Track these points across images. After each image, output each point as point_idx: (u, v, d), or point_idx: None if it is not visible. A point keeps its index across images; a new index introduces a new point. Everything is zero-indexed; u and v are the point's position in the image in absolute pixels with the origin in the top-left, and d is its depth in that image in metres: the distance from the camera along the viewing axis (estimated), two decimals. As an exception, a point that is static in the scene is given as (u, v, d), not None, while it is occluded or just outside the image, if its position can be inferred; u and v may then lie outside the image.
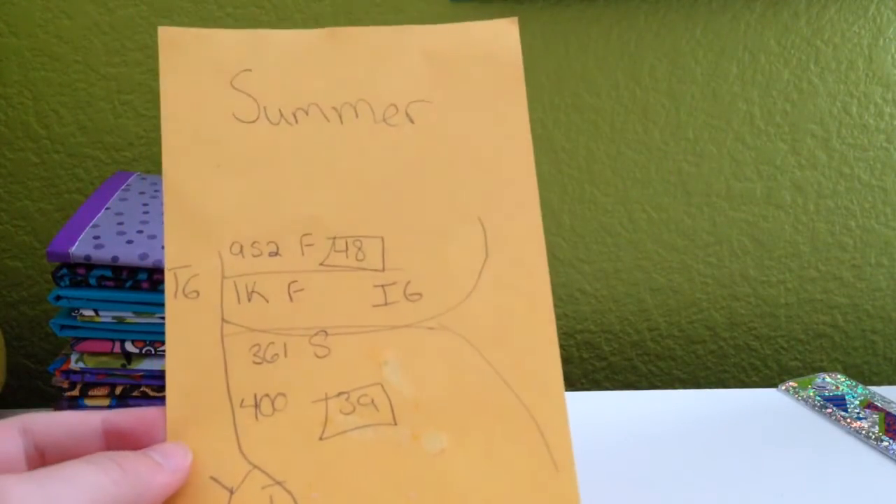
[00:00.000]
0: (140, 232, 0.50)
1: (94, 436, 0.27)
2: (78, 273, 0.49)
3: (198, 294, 0.28)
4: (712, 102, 0.68)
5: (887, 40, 0.67)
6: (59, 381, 0.51)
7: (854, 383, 0.63)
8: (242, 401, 0.28)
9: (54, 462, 0.25)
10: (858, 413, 0.58)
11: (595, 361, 0.76)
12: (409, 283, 0.29)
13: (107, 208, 0.53)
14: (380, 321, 0.29)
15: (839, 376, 0.65)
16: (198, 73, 0.30)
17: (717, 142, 0.69)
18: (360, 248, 0.30)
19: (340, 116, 0.31)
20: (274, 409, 0.28)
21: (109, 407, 0.51)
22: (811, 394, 0.62)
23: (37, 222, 0.68)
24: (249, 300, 0.29)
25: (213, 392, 0.28)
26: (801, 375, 0.77)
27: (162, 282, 0.49)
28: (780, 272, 0.73)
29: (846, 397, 0.61)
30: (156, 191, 0.56)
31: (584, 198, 0.70)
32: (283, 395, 0.28)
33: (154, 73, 0.64)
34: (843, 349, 0.76)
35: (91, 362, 0.50)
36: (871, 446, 0.55)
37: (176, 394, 0.27)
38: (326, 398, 0.28)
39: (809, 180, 0.71)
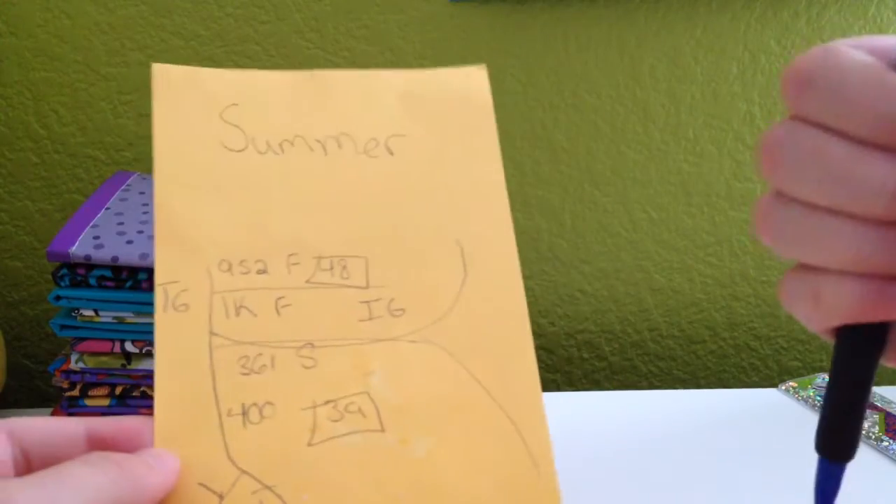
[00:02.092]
0: (140, 232, 0.50)
1: (79, 443, 0.27)
2: (78, 273, 0.49)
3: (187, 307, 0.29)
4: (712, 102, 0.68)
5: (887, 40, 0.67)
6: (59, 381, 0.51)
7: (854, 383, 0.63)
8: (230, 410, 0.28)
9: (39, 467, 0.26)
10: (858, 413, 0.58)
11: (595, 361, 0.76)
12: (392, 299, 0.31)
13: (107, 208, 0.53)
14: (365, 334, 0.30)
15: (839, 376, 0.65)
16: (189, 106, 0.32)
17: (717, 142, 0.69)
18: (344, 268, 0.31)
19: (324, 148, 0.33)
20: (262, 417, 0.28)
21: (109, 406, 0.51)
22: (811, 394, 0.62)
23: (37, 222, 0.68)
24: (237, 314, 0.30)
25: (201, 402, 0.28)
26: (801, 375, 0.77)
27: (162, 282, 0.49)
28: (780, 272, 0.73)
29: (846, 397, 0.61)
30: (156, 191, 0.56)
31: (584, 198, 0.70)
32: (271, 403, 0.29)
33: (154, 73, 0.64)
34: (843, 349, 0.76)
35: (91, 362, 0.50)
36: (871, 446, 0.55)
37: (164, 404, 0.28)
38: (314, 406, 0.29)
39: (809, 180, 0.71)
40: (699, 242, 0.72)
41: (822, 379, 0.64)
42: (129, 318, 0.50)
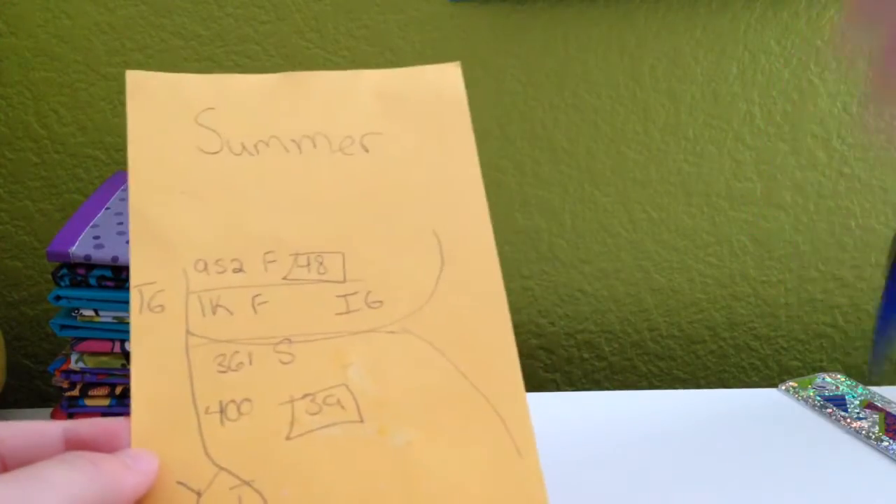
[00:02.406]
0: (140, 232, 0.50)
1: (56, 445, 0.27)
2: (78, 273, 0.49)
3: (162, 308, 0.29)
4: (712, 102, 0.68)
5: (887, 40, 0.67)
6: (59, 381, 0.51)
7: (854, 383, 0.63)
8: (207, 408, 0.28)
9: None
10: (858, 413, 0.59)
11: (595, 361, 0.76)
12: (369, 292, 0.31)
13: (107, 208, 0.53)
14: (343, 327, 0.30)
15: (839, 376, 0.65)
16: (164, 110, 0.32)
17: (717, 142, 0.69)
18: (321, 263, 0.31)
19: (300, 147, 0.33)
20: (240, 414, 0.28)
21: (109, 406, 0.51)
22: (811, 394, 0.62)
23: (37, 222, 0.68)
24: (214, 313, 0.30)
25: (178, 401, 0.28)
26: (801, 375, 0.77)
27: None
28: (780, 272, 0.73)
29: (846, 397, 0.61)
30: (156, 191, 0.56)
31: (584, 198, 0.70)
32: (249, 400, 0.29)
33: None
34: (843, 349, 0.76)
35: (91, 362, 0.50)
36: (871, 446, 0.55)
37: (141, 404, 0.28)
38: (292, 400, 0.29)
39: (809, 180, 0.71)
40: (699, 242, 0.72)
41: (822, 379, 0.64)
42: (129, 318, 0.50)
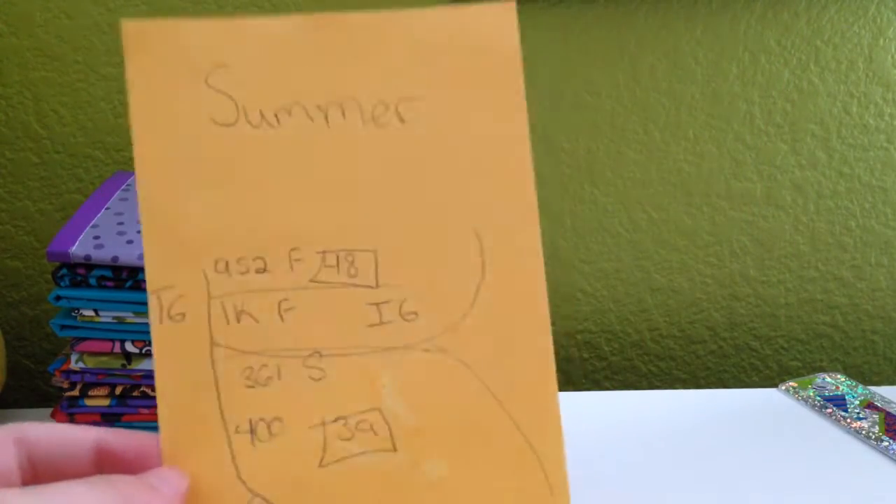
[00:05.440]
0: (140, 232, 0.50)
1: (87, 453, 0.27)
2: (78, 273, 0.49)
3: (184, 316, 0.27)
4: (712, 102, 0.68)
5: (887, 40, 0.67)
6: (59, 381, 0.51)
7: (854, 383, 0.63)
8: (238, 426, 0.27)
9: (46, 474, 0.26)
10: (858, 413, 0.58)
11: (595, 361, 0.76)
12: (404, 301, 0.28)
13: (107, 208, 0.53)
14: (375, 342, 0.28)
15: (839, 376, 0.65)
16: (169, 71, 0.28)
17: (717, 142, 0.69)
18: (351, 263, 0.28)
19: (326, 117, 0.29)
20: (271, 435, 0.27)
21: (109, 406, 0.51)
22: (811, 394, 0.62)
23: (37, 222, 0.68)
24: (238, 321, 0.28)
25: (207, 418, 0.27)
26: (801, 375, 0.77)
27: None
28: (780, 272, 0.73)
29: (846, 397, 0.61)
30: (156, 191, 0.56)
31: (584, 198, 0.70)
32: (280, 419, 0.27)
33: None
34: (843, 349, 0.76)
35: (91, 362, 0.50)
36: (871, 446, 0.55)
37: (168, 420, 0.27)
38: (324, 423, 0.28)
39: (809, 180, 0.71)
40: (699, 242, 0.72)
41: (822, 379, 0.64)
42: (129, 318, 0.50)
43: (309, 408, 0.28)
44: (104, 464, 0.27)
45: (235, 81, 0.28)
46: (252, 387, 0.27)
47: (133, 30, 0.28)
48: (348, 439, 0.28)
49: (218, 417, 0.27)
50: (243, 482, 0.27)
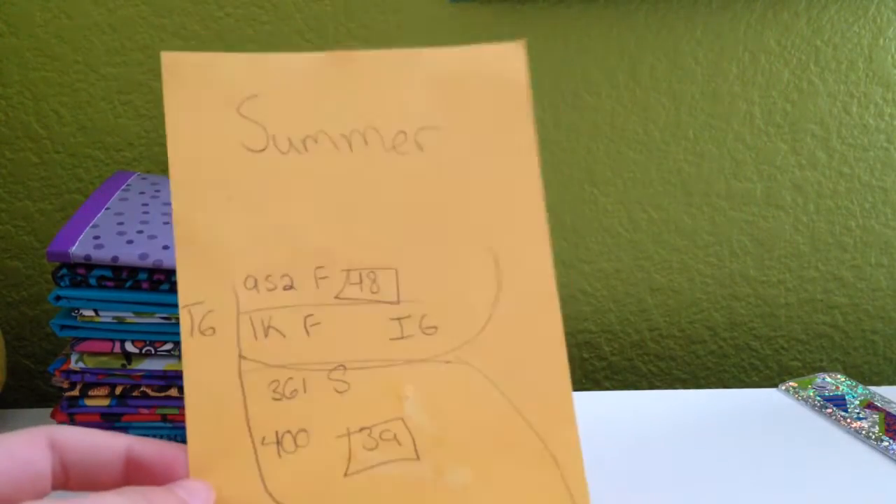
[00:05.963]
0: (140, 232, 0.50)
1: (118, 460, 0.27)
2: (78, 273, 0.49)
3: (214, 331, 0.28)
4: (712, 102, 0.68)
5: (887, 40, 0.67)
6: (59, 381, 0.51)
7: (854, 383, 0.63)
8: (264, 438, 0.28)
9: (77, 479, 0.26)
10: (858, 413, 0.59)
11: (595, 361, 0.76)
12: (424, 315, 0.30)
13: (107, 208, 0.53)
14: (397, 355, 0.29)
15: (839, 376, 0.65)
16: (204, 100, 0.30)
17: (717, 142, 0.69)
18: (374, 281, 0.30)
19: (350, 144, 0.30)
20: (296, 446, 0.28)
21: (109, 406, 0.51)
22: (811, 394, 0.62)
23: (37, 222, 0.68)
24: (266, 336, 0.29)
25: (234, 429, 0.28)
26: (801, 375, 0.77)
27: (162, 282, 0.49)
28: (780, 272, 0.73)
29: (846, 397, 0.61)
30: (156, 191, 0.56)
31: (584, 198, 0.70)
32: (305, 431, 0.28)
33: (155, 72, 0.64)
34: (843, 349, 0.76)
35: (91, 362, 0.50)
36: (871, 446, 0.55)
37: (196, 431, 0.27)
38: (349, 433, 0.28)
39: (809, 180, 0.71)
40: (699, 242, 0.72)
41: (822, 379, 0.64)
42: (129, 318, 0.50)
43: (334, 419, 0.28)
44: (132, 472, 0.27)
45: (266, 111, 0.30)
46: (278, 399, 0.28)
47: (171, 61, 0.30)
48: (372, 449, 0.28)
49: (245, 429, 0.28)
50: (269, 493, 0.27)
